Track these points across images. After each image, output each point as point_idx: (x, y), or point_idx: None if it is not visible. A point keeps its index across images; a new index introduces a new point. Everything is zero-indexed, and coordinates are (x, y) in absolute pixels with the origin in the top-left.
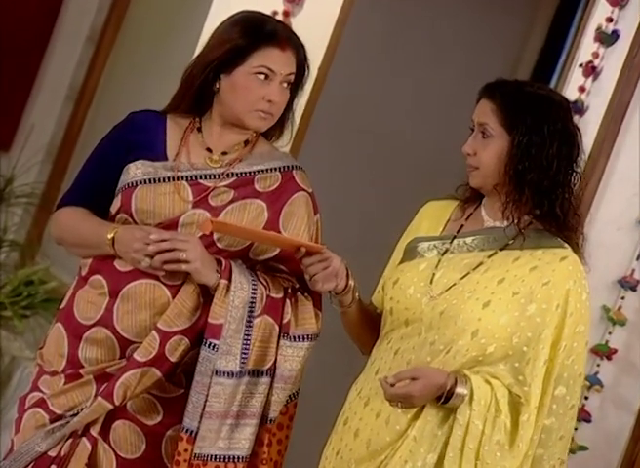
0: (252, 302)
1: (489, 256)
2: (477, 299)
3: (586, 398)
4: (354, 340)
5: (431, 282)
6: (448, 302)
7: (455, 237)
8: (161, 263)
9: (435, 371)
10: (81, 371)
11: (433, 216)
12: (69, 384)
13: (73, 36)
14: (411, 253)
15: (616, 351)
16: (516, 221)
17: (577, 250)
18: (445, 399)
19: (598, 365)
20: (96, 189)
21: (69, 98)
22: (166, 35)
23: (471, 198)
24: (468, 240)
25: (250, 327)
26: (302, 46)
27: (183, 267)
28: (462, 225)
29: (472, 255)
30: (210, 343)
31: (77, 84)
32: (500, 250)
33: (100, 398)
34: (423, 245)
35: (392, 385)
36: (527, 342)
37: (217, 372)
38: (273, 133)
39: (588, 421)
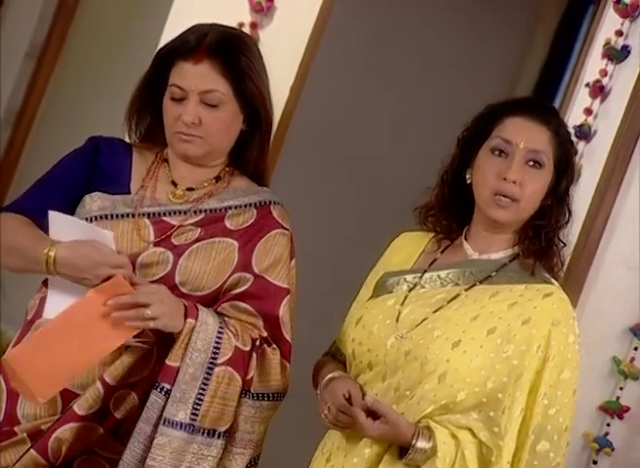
0: (216, 348)
1: (465, 290)
2: (446, 338)
3: (595, 462)
4: None
5: (397, 320)
6: (414, 342)
7: (426, 270)
8: (124, 321)
9: (408, 426)
10: (16, 429)
11: (406, 249)
12: (2, 443)
13: (10, 51)
14: (380, 289)
15: (628, 409)
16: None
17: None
18: (407, 453)
19: (608, 424)
20: (48, 207)
21: (6, 122)
22: (118, 50)
23: (450, 231)
24: (442, 273)
25: (209, 375)
26: (236, 54)
27: (151, 324)
28: (436, 259)
29: (445, 291)
30: (162, 387)
31: (15, 106)
32: (480, 282)
33: (32, 451)
34: (393, 279)
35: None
36: (503, 388)
37: (164, 421)
38: (248, 172)
39: None
